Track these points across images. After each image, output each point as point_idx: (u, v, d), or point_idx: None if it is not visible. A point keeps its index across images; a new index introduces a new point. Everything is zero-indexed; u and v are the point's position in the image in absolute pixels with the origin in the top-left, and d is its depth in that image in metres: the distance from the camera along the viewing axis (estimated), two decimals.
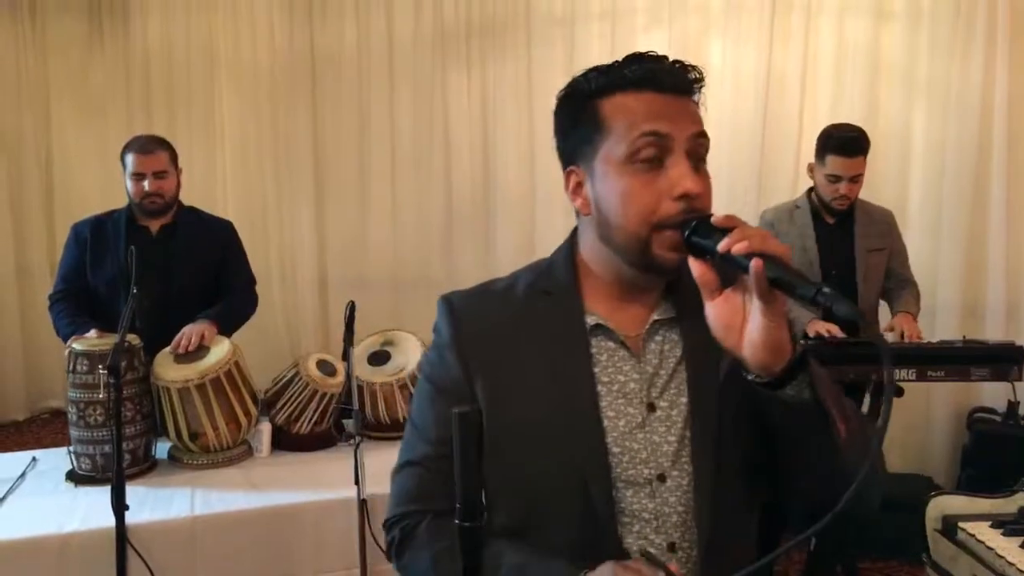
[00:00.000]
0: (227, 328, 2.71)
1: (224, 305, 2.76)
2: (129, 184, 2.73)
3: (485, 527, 0.83)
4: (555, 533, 0.99)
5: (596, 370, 1.02)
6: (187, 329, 2.52)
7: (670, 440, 1.01)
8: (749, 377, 0.91)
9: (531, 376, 1.02)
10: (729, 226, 0.90)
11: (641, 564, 0.89)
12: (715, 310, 0.92)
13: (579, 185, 1.03)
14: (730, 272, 0.92)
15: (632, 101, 0.98)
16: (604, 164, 0.98)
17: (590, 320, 1.04)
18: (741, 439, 1.00)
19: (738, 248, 0.86)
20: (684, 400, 1.02)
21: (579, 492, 0.98)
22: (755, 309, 0.88)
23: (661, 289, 1.06)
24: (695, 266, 0.93)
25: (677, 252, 0.95)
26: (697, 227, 0.93)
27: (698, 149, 0.98)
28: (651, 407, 1.02)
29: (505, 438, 1.01)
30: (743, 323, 0.90)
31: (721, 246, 0.88)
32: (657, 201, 0.95)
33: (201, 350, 2.41)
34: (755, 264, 0.84)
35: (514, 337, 1.04)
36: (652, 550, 0.98)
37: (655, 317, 1.05)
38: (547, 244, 4.31)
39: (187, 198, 2.92)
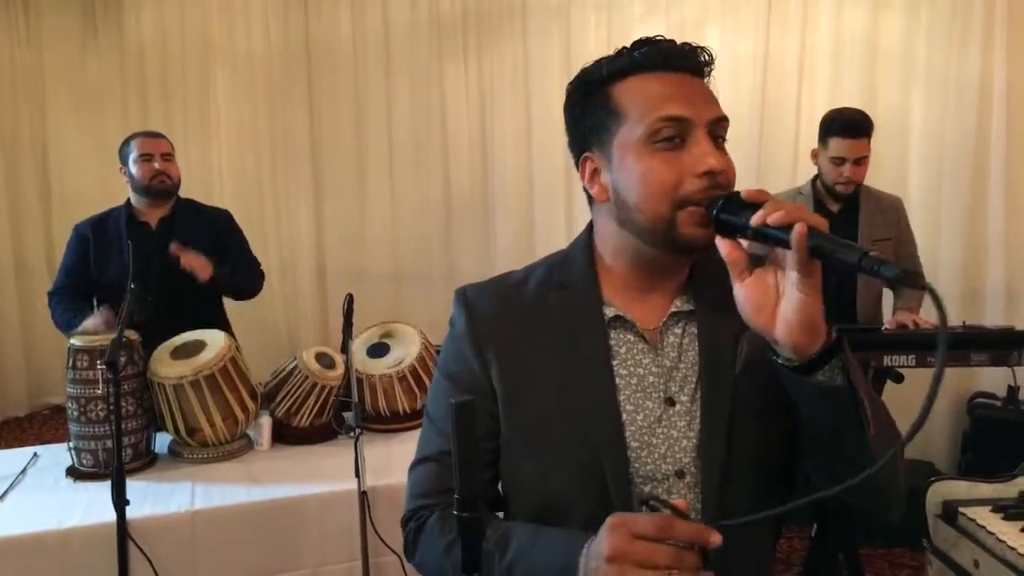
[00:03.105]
0: (224, 282, 2.79)
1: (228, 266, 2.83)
2: (135, 169, 2.77)
3: (484, 518, 0.82)
4: (574, 527, 0.96)
5: (615, 363, 1.00)
6: (190, 254, 2.64)
7: (689, 436, 0.99)
8: (780, 361, 0.88)
9: (548, 369, 1.00)
10: (760, 200, 0.87)
11: (640, 514, 0.84)
12: (745, 291, 0.89)
13: (595, 172, 1.01)
14: (760, 250, 0.89)
15: (645, 84, 0.96)
16: (622, 148, 0.97)
17: (608, 312, 1.02)
18: (759, 434, 0.98)
19: (775, 219, 0.83)
20: (701, 396, 1.00)
21: (598, 487, 0.97)
22: (791, 283, 0.85)
23: (679, 281, 1.04)
24: (723, 245, 0.90)
25: (704, 228, 0.92)
26: (725, 204, 0.91)
27: (718, 131, 0.96)
28: (670, 401, 1.00)
29: (522, 431, 1.00)
30: (775, 303, 0.87)
31: (755, 219, 0.85)
32: (679, 178, 0.93)
33: (197, 345, 2.41)
34: (798, 229, 0.81)
35: (530, 329, 1.03)
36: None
37: (673, 309, 1.02)
38: (546, 233, 4.31)
39: (184, 191, 2.93)
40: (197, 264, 2.68)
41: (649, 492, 0.97)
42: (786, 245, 0.83)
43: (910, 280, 0.77)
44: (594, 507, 0.96)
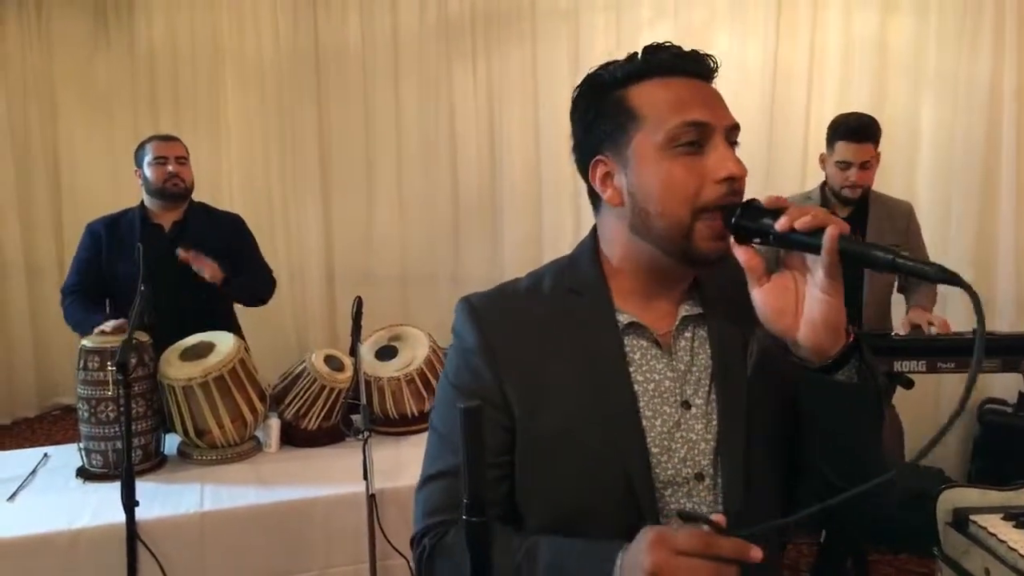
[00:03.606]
0: (236, 289, 2.82)
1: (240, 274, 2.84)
2: (149, 172, 2.81)
3: (492, 523, 0.81)
4: (596, 535, 0.95)
5: (631, 369, 1.00)
6: (200, 257, 2.66)
7: (707, 439, 0.99)
8: (799, 362, 0.90)
9: (565, 377, 0.99)
10: (780, 206, 0.89)
11: (681, 525, 0.86)
12: (764, 296, 0.91)
13: (608, 175, 1.00)
14: (778, 255, 0.91)
15: (662, 88, 0.97)
16: (640, 152, 0.96)
17: (622, 318, 1.02)
18: (772, 434, 0.99)
19: (803, 223, 0.85)
20: (716, 398, 1.01)
21: (623, 494, 0.96)
22: (816, 286, 0.87)
23: (686, 286, 1.04)
24: (741, 252, 0.92)
25: (720, 242, 0.94)
26: (744, 211, 0.92)
27: (733, 137, 0.98)
28: (686, 405, 1.00)
29: (542, 442, 0.99)
30: (796, 305, 0.89)
31: (782, 224, 0.87)
32: (700, 184, 0.94)
33: (207, 347, 2.41)
34: (831, 233, 0.82)
35: (543, 338, 1.01)
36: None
37: (683, 313, 1.03)
38: (554, 236, 4.30)
39: (194, 193, 2.94)
40: (208, 267, 2.69)
41: (683, 507, 0.97)
42: (813, 249, 0.85)
43: (947, 277, 0.79)
44: (619, 514, 0.96)
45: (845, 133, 2.76)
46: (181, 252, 2.69)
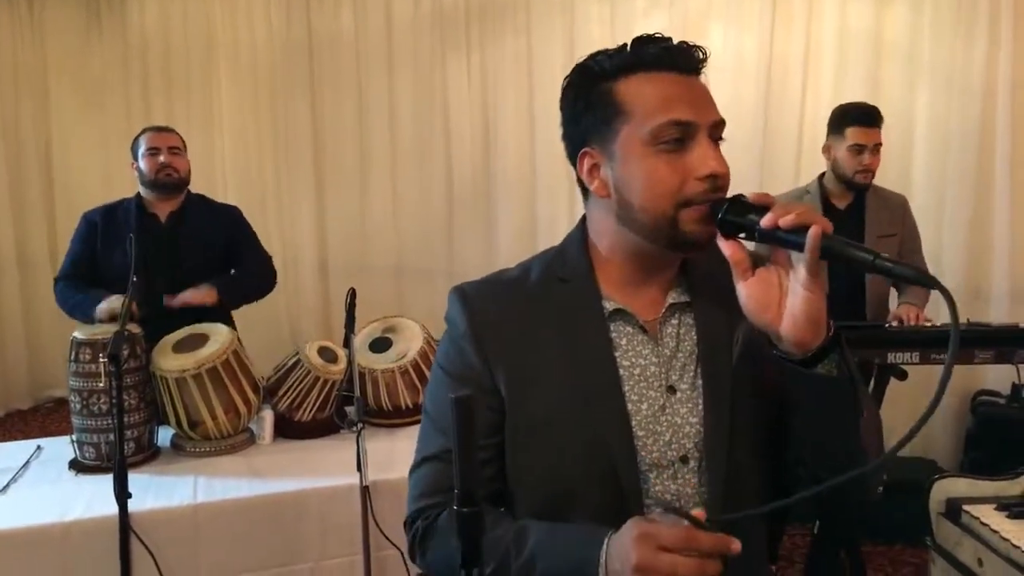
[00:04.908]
0: (234, 297, 2.79)
1: (233, 274, 2.81)
2: (143, 163, 2.80)
3: (484, 513, 0.82)
4: (580, 519, 0.99)
5: (616, 355, 1.03)
6: (185, 293, 2.64)
7: (692, 422, 1.02)
8: (780, 356, 0.92)
9: (552, 364, 1.02)
10: (766, 203, 0.90)
11: (662, 517, 0.89)
12: (749, 289, 0.92)
13: (595, 167, 1.02)
14: (765, 250, 0.93)
15: (649, 83, 0.98)
16: (625, 146, 0.98)
17: (608, 305, 1.04)
18: (756, 420, 1.01)
19: (787, 221, 0.87)
20: (702, 383, 1.03)
21: (608, 477, 0.99)
22: (799, 282, 0.88)
23: (672, 274, 1.06)
24: (727, 246, 0.93)
25: (706, 226, 0.95)
26: (731, 206, 0.93)
27: (717, 134, 0.99)
28: (671, 390, 1.02)
29: (529, 426, 1.02)
30: (780, 300, 0.90)
31: (766, 220, 0.88)
32: (683, 181, 0.95)
33: (200, 339, 2.41)
34: (814, 231, 0.84)
35: (531, 325, 1.04)
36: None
37: (670, 301, 1.05)
38: (548, 227, 4.28)
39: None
40: (196, 297, 2.68)
41: (667, 489, 1.00)
42: (797, 247, 0.86)
43: (923, 279, 0.80)
44: (604, 496, 0.99)
45: (857, 118, 2.83)
46: (167, 300, 2.68)
